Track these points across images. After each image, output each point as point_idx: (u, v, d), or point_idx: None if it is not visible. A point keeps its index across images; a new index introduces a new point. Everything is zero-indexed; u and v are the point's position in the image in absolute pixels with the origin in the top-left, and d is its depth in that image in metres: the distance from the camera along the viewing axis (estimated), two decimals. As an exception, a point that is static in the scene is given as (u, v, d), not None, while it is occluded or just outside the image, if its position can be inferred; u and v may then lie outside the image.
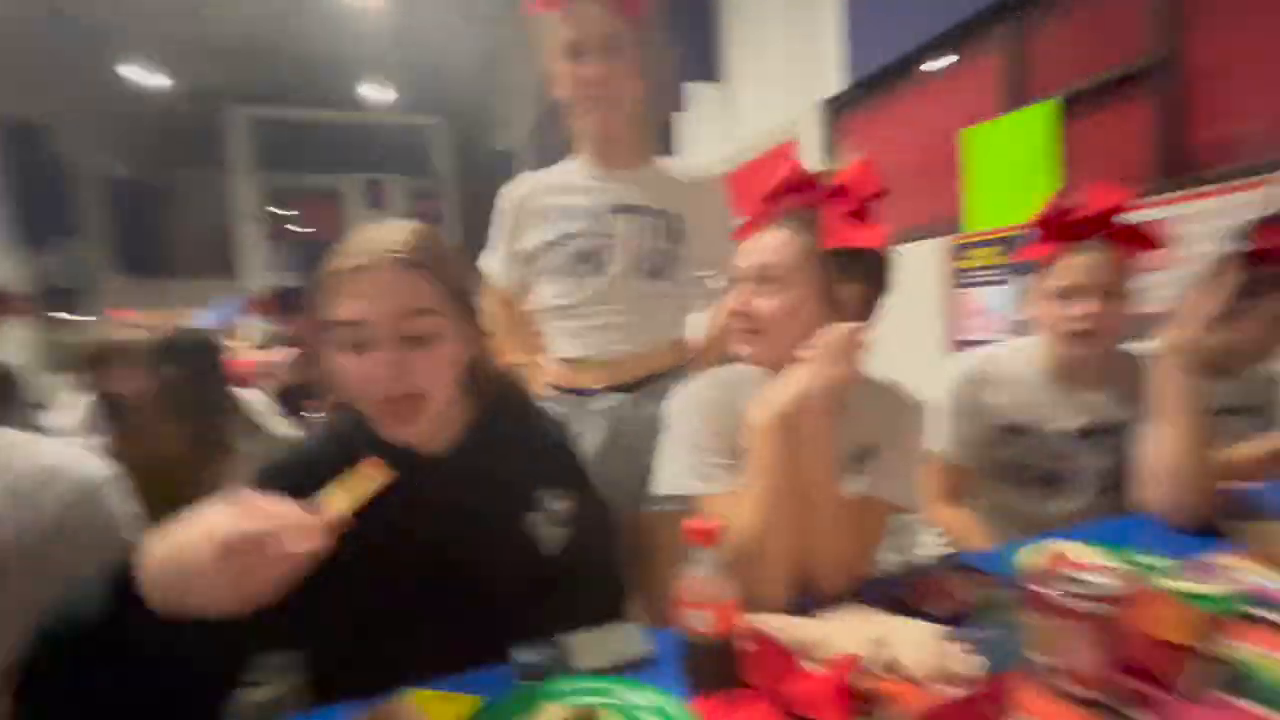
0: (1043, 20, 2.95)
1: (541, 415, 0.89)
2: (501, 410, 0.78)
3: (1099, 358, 1.18)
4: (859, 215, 0.76)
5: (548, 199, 1.25)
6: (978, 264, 3.21)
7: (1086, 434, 1.18)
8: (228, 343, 3.48)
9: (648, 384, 1.15)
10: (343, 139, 13.00)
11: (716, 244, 1.21)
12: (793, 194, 0.82)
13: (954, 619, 0.67)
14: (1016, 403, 1.23)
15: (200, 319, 5.98)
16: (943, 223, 3.50)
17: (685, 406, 0.87)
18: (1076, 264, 1.12)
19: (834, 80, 4.10)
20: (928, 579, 0.77)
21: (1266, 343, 1.17)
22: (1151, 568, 0.75)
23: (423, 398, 0.66)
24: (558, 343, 1.20)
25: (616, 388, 1.14)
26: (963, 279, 3.31)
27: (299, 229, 11.00)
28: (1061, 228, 1.14)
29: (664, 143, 6.92)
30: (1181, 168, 2.42)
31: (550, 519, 0.74)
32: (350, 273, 0.64)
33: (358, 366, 0.64)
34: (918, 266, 3.55)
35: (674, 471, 0.84)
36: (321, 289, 0.65)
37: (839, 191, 0.77)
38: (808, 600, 0.74)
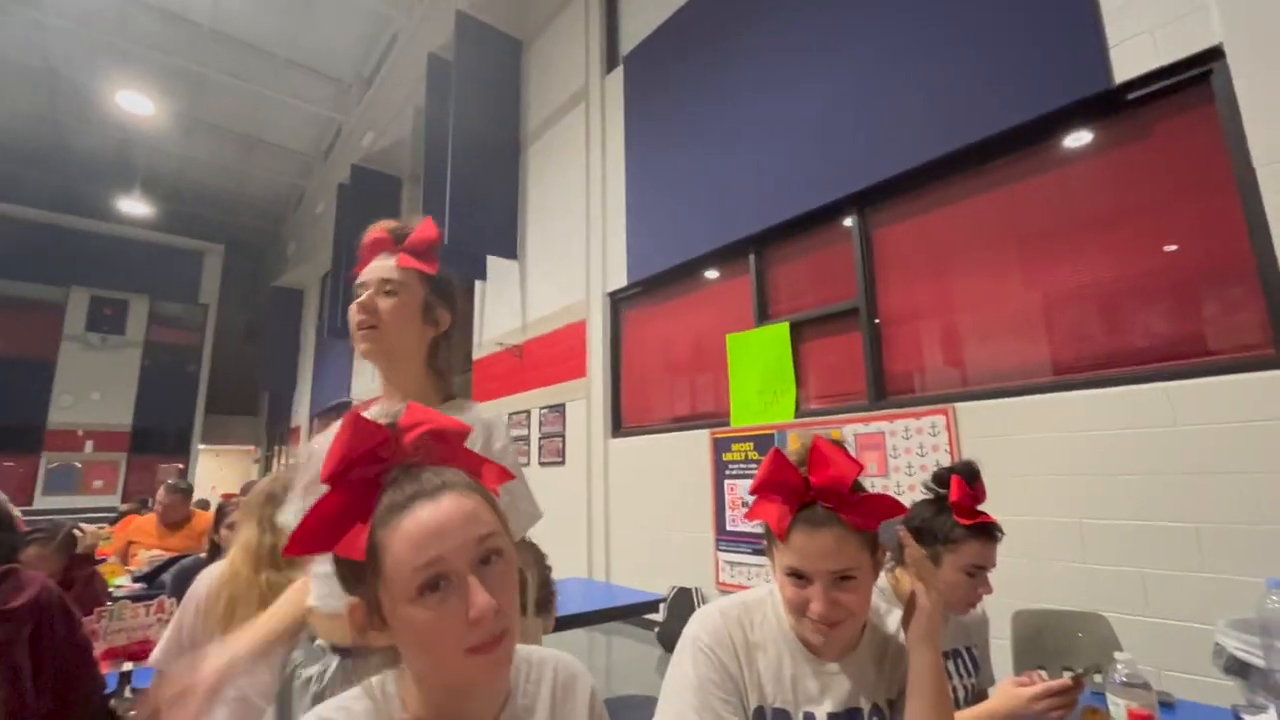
0: (780, 257, 3.52)
1: None
2: None
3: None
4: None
5: None
6: (739, 457, 3.41)
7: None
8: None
9: None
10: (86, 249, 11.19)
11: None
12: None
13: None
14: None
15: None
16: (710, 416, 3.74)
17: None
18: None
19: (618, 276, 4.46)
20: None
21: (968, 591, 1.13)
22: None
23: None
24: None
25: None
26: (727, 470, 3.46)
27: None
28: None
29: (468, 308, 6.86)
30: (882, 391, 2.87)
31: None
32: None
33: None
34: (692, 455, 3.68)
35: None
36: None
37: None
38: None
